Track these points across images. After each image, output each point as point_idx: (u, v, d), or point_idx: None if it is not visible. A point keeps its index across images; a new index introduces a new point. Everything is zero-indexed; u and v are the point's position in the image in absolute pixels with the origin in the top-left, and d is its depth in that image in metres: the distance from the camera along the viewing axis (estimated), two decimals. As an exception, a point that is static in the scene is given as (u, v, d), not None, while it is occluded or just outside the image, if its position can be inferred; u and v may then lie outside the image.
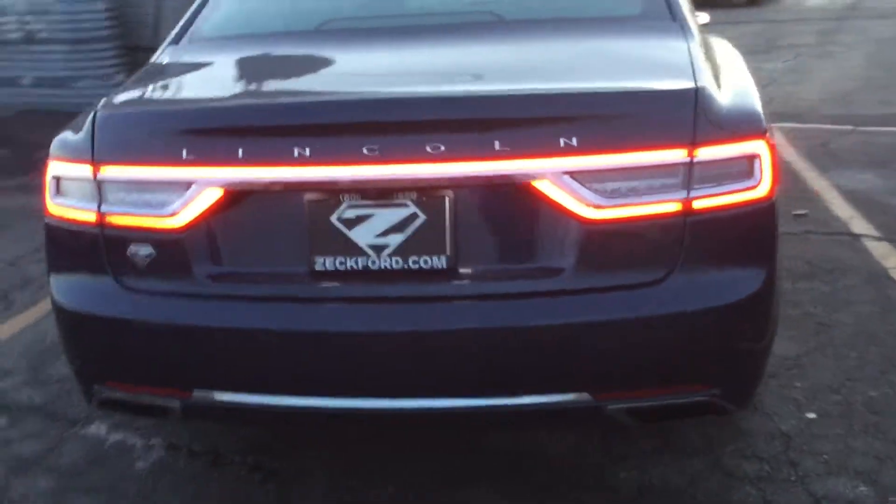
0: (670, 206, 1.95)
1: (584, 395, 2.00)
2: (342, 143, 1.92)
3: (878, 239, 4.18)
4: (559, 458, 2.61)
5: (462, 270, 1.98)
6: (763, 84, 8.20)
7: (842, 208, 4.65)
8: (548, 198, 1.92)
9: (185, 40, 2.68)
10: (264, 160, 1.96)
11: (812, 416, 2.75)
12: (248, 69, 2.43)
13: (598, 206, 1.92)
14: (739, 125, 2.00)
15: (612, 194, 1.93)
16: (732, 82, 2.19)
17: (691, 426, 2.68)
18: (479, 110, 1.96)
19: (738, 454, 2.56)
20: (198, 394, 2.07)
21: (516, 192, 1.94)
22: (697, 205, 1.96)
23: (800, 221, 4.47)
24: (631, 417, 2.08)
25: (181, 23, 2.75)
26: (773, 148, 2.05)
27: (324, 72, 2.37)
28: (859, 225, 4.38)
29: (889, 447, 2.56)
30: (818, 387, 2.91)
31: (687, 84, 2.01)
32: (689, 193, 1.95)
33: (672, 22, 2.45)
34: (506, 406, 2.01)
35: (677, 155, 1.94)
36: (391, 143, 1.91)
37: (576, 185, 1.91)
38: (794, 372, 3.01)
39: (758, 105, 2.09)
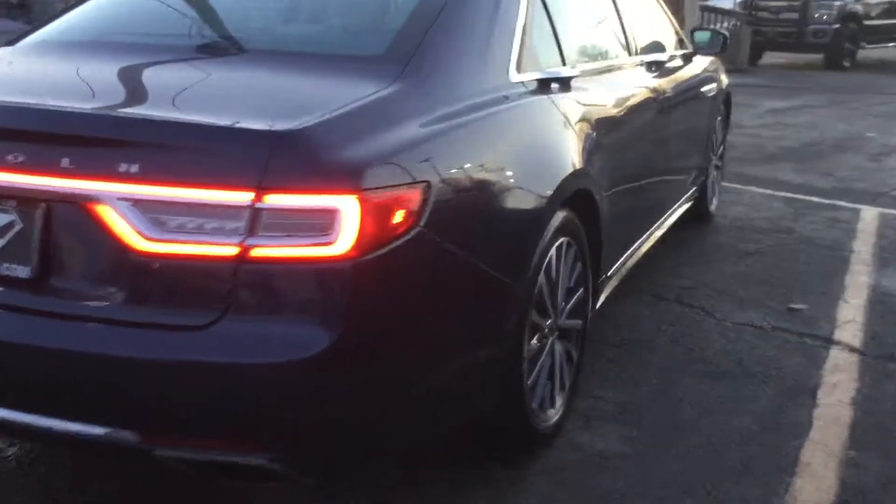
0: (227, 250, 1.83)
1: (129, 434, 1.92)
2: None
3: (852, 350, 3.60)
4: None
5: (43, 283, 1.97)
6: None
7: (850, 310, 4.05)
8: (106, 222, 1.88)
9: (19, 43, 2.86)
10: None
11: (547, 520, 2.44)
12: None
13: (151, 239, 1.85)
14: (324, 177, 1.84)
15: (168, 228, 1.85)
16: (379, 137, 2.00)
17: None
18: (50, 125, 1.95)
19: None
20: None
21: (84, 213, 1.90)
22: (257, 252, 1.83)
23: (784, 316, 3.95)
24: (184, 467, 1.97)
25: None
26: (373, 206, 1.86)
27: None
28: (848, 332, 3.79)
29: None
30: (586, 495, 2.56)
31: (278, 126, 1.88)
32: (249, 239, 1.82)
33: (401, 66, 2.28)
34: (54, 427, 1.96)
35: (241, 197, 1.82)
36: None
37: (132, 213, 1.85)
38: (575, 475, 2.66)
39: (370, 162, 1.90)
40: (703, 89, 4.73)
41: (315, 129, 1.90)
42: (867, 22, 16.99)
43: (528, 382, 2.57)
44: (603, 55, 3.53)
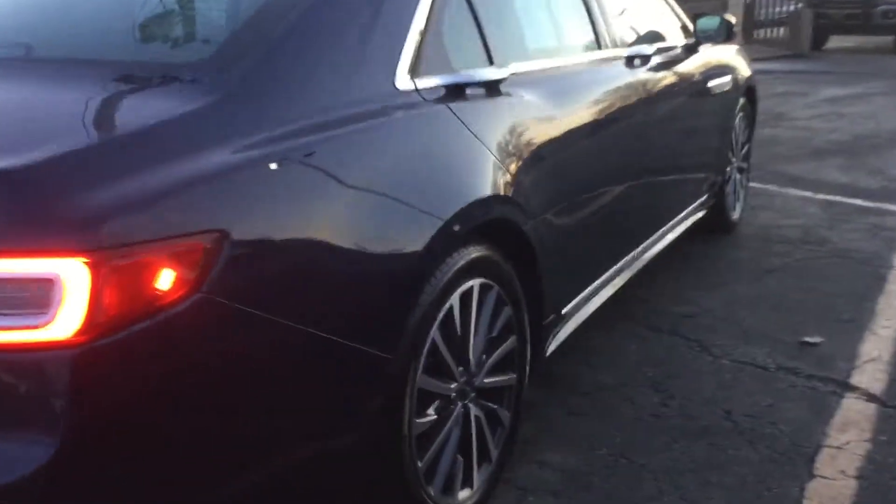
0: (-87, 336, 1.37)
1: None
2: None
3: (869, 399, 2.98)
4: None
5: None
6: None
7: (876, 344, 3.41)
8: None
9: None
10: None
11: None
12: None
13: None
14: (37, 233, 1.36)
15: None
16: (150, 172, 1.50)
17: None
18: None
19: None
20: None
21: None
22: (-52, 338, 1.36)
23: (794, 352, 3.34)
24: None
25: None
26: (114, 270, 1.38)
27: None
28: (868, 374, 3.17)
29: None
30: None
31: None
32: (-62, 321, 1.36)
33: (222, 75, 1.78)
34: None
35: (-74, 265, 1.35)
36: None
37: None
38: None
39: (117, 208, 1.41)
40: (711, 84, 4.12)
41: (32, 167, 1.42)
42: (942, 0, 15.83)
43: (420, 465, 2.05)
44: (556, 51, 2.98)
